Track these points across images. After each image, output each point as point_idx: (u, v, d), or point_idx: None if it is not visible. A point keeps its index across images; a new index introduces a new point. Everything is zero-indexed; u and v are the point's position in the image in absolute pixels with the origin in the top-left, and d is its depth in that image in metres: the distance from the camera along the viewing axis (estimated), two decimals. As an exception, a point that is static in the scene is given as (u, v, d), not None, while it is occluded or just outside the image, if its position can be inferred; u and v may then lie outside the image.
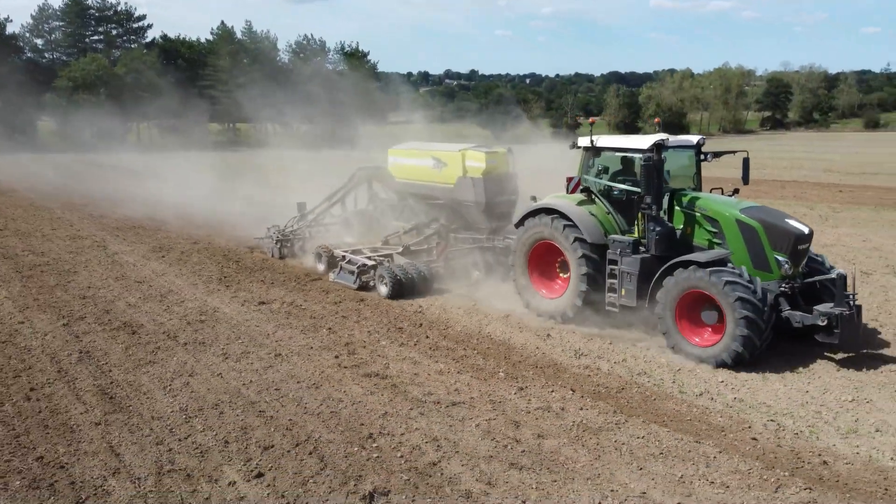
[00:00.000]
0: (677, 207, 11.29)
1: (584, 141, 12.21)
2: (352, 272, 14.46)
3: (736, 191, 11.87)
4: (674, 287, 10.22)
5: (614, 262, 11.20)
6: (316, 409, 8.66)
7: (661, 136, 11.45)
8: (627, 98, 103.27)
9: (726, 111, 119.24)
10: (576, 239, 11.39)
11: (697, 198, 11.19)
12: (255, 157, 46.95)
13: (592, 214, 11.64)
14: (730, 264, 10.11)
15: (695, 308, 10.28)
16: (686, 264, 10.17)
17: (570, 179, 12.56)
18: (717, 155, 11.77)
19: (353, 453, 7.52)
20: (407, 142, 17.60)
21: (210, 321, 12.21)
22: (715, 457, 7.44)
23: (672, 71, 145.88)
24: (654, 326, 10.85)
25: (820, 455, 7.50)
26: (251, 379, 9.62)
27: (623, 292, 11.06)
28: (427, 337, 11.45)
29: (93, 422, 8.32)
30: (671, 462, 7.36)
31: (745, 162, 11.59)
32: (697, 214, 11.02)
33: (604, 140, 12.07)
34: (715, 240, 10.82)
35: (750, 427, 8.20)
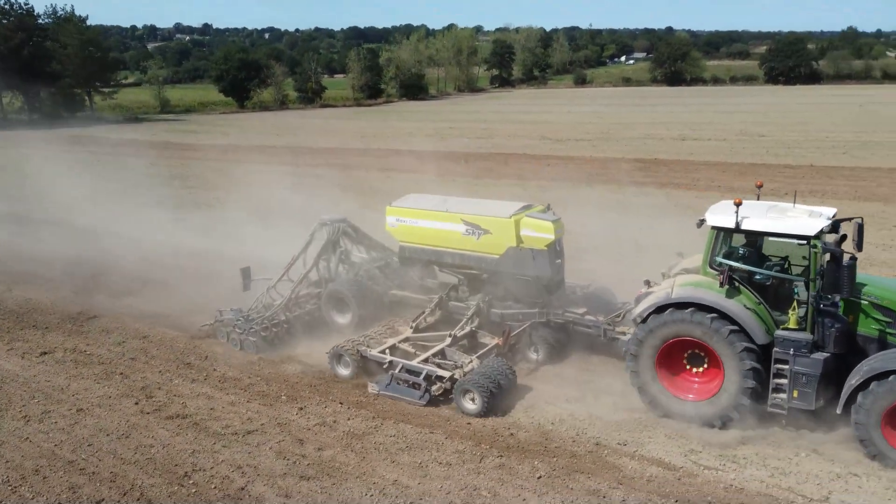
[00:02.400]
0: None
1: (720, 220, 10.55)
2: (415, 385, 11.84)
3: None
4: (884, 397, 9.36)
5: (782, 361, 10.12)
6: (131, 458, 10.40)
7: (825, 211, 10.64)
8: (369, 61, 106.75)
9: (460, 70, 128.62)
10: (731, 332, 10.20)
11: (862, 283, 10.29)
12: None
13: (748, 308, 10.35)
14: None
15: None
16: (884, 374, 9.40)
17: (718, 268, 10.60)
18: (835, 227, 10.59)
19: (175, 492, 9.55)
20: (410, 196, 14.84)
21: (-5, 382, 12.86)
22: (443, 442, 10.72)
23: (409, 27, 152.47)
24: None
25: (509, 429, 11.14)
26: (61, 438, 10.94)
27: (796, 394, 10.05)
28: (215, 370, 13.41)
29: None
30: (414, 452, 10.49)
31: (860, 228, 10.45)
32: (864, 303, 10.14)
33: (753, 223, 10.33)
34: (889, 330, 10.02)
35: (464, 415, 11.65)
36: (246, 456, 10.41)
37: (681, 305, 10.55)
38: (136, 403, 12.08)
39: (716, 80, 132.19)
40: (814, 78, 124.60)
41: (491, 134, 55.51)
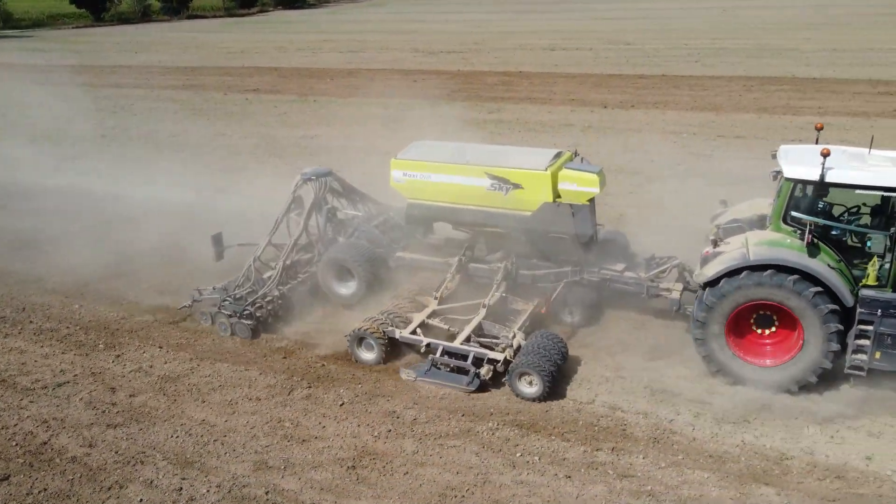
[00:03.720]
0: None
1: (801, 172, 9.67)
2: (462, 370, 10.64)
3: None
4: None
5: (867, 322, 9.58)
6: (-70, 421, 10.25)
7: None
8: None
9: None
10: (816, 294, 9.51)
11: None
12: None
13: (832, 267, 9.67)
14: None
15: None
16: None
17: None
18: None
19: (-26, 453, 9.58)
20: (416, 145, 13.16)
21: None
22: (256, 379, 11.16)
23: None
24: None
25: (317, 359, 11.70)
26: None
27: (878, 355, 9.64)
28: (31, 322, 13.13)
29: None
30: (226, 390, 10.88)
31: None
32: None
33: (840, 175, 9.45)
34: None
35: (283, 348, 12.08)
36: (54, 409, 10.48)
37: (757, 267, 9.67)
38: (-60, 363, 11.78)
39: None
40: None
41: (364, 47, 54.05)
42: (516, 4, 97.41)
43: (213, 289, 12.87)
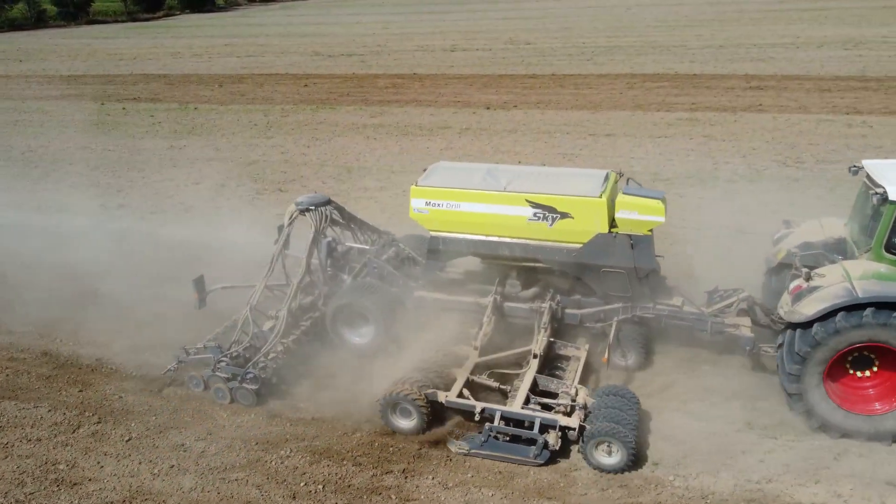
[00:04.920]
0: None
1: None
2: (528, 440, 8.94)
3: None
4: None
5: None
6: None
7: None
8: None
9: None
10: None
11: None
12: None
13: None
14: None
15: None
16: None
17: None
18: None
19: None
20: (438, 168, 11.40)
21: None
22: (43, 416, 10.33)
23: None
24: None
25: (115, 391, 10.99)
26: None
27: None
28: None
29: None
30: (6, 432, 10.02)
31: None
32: None
33: None
34: None
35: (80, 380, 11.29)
36: None
37: (854, 305, 8.50)
38: None
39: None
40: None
41: (263, 51, 52.76)
42: (428, 5, 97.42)
43: (204, 346, 10.76)
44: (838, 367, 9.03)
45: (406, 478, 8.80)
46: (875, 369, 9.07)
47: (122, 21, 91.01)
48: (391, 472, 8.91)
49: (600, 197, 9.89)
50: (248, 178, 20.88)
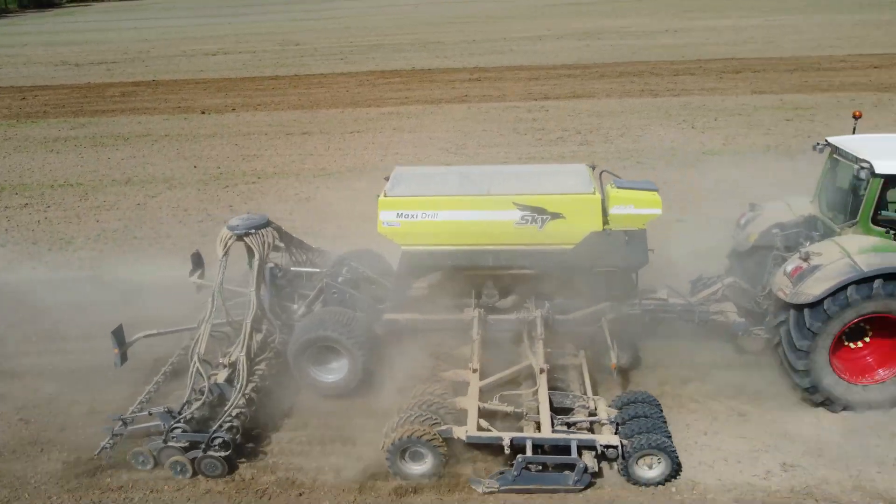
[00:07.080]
0: None
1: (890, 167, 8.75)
2: (558, 466, 7.97)
3: None
4: None
5: None
6: None
7: None
8: None
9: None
10: None
11: None
12: None
13: None
14: None
15: None
16: None
17: None
18: None
19: None
20: (402, 175, 10.03)
21: None
22: None
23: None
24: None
25: None
26: None
27: None
28: None
29: None
30: None
31: None
32: None
33: None
34: None
35: None
36: None
37: (861, 279, 8.55)
38: None
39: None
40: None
41: (8, 62, 48.33)
42: (224, 8, 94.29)
43: (151, 412, 8.68)
44: (836, 342, 9.07)
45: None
46: (867, 339, 9.28)
47: None
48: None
49: (594, 193, 9.31)
50: None
